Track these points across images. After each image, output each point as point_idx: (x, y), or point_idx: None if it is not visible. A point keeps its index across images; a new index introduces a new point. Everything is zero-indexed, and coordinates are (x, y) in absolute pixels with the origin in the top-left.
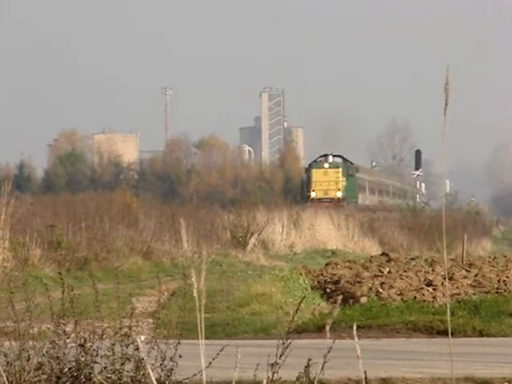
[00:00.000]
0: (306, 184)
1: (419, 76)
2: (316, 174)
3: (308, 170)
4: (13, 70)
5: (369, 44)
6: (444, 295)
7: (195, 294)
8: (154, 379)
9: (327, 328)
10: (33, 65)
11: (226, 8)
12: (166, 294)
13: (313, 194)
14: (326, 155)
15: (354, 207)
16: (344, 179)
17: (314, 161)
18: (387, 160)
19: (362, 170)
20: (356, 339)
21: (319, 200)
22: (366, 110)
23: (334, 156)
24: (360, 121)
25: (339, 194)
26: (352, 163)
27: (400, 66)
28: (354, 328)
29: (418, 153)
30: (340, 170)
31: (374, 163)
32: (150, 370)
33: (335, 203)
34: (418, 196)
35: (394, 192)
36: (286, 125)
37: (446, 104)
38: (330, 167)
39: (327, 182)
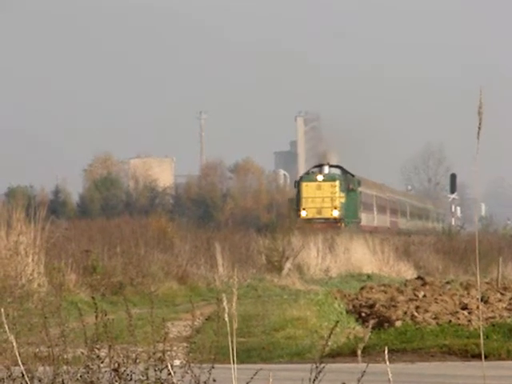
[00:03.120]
0: (296, 201)
1: (454, 97)
2: (307, 188)
3: (298, 183)
4: (46, 94)
5: (403, 67)
6: (479, 319)
7: (226, 319)
8: None
9: (359, 352)
10: (65, 88)
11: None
12: (200, 318)
13: (303, 214)
14: (321, 165)
15: (356, 228)
16: (343, 195)
17: (306, 172)
18: (422, 183)
19: (368, 184)
20: (388, 363)
21: (310, 220)
22: (398, 132)
23: (330, 166)
24: (393, 144)
25: (336, 214)
26: (353, 175)
27: (434, 87)
28: (386, 352)
29: (453, 176)
30: (337, 183)
31: (409, 187)
32: None
33: (331, 224)
34: (453, 220)
35: (413, 212)
36: (322, 149)
37: (479, 128)
38: (324, 180)
39: (321, 199)
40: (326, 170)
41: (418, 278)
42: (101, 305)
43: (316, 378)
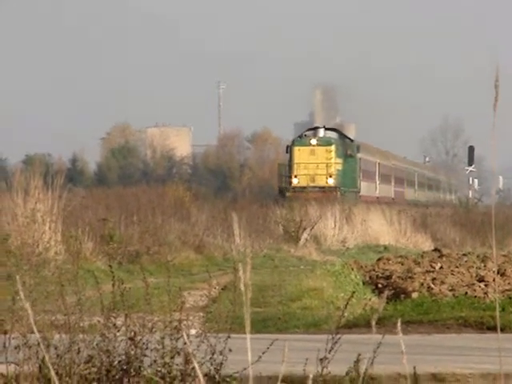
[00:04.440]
0: (288, 168)
1: (473, 70)
2: (300, 153)
3: (290, 148)
4: (66, 65)
5: (427, 38)
6: (495, 291)
7: (242, 288)
8: (200, 374)
9: (373, 323)
10: (85, 60)
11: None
12: (217, 287)
13: (295, 181)
14: (315, 128)
15: (354, 198)
16: (339, 161)
17: (299, 136)
18: (440, 155)
19: (369, 151)
20: (400, 334)
21: (303, 189)
22: (417, 105)
23: (326, 129)
24: (412, 114)
25: (331, 182)
26: (352, 140)
27: (454, 61)
28: (399, 323)
29: (471, 149)
30: (333, 148)
31: (427, 158)
32: (196, 365)
33: (325, 194)
34: (470, 192)
35: (422, 182)
36: (338, 120)
37: (496, 100)
38: (319, 144)
39: (315, 165)
40: (321, 133)
41: (435, 249)
42: (117, 273)
43: (332, 348)
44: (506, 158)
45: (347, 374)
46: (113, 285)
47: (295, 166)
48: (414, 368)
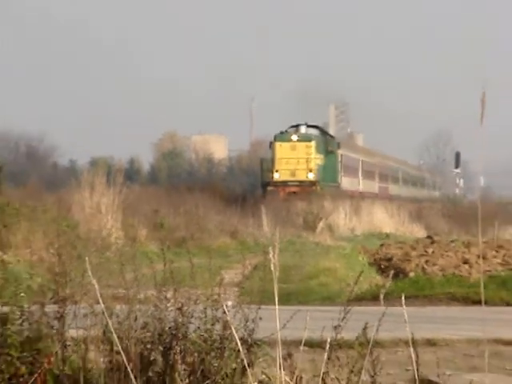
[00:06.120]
0: (270, 162)
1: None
2: (281, 148)
3: (272, 143)
4: (129, 76)
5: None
6: (478, 271)
7: (272, 267)
8: (237, 337)
9: (381, 297)
10: (142, 75)
11: (299, 26)
12: (249, 267)
13: (276, 176)
14: (297, 125)
15: (335, 192)
16: (319, 156)
17: (281, 132)
18: (431, 159)
19: (353, 148)
20: (404, 307)
21: (284, 183)
22: (415, 116)
23: (308, 126)
24: (410, 126)
25: (311, 176)
26: (332, 136)
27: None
28: (403, 298)
29: (457, 154)
30: (313, 144)
31: (421, 161)
32: (233, 330)
33: (305, 188)
34: (457, 189)
35: (406, 179)
36: (349, 130)
37: (482, 116)
38: (299, 140)
39: (296, 160)
40: (303, 129)
41: (428, 237)
42: (167, 255)
43: (344, 317)
44: (488, 160)
45: (357, 338)
46: (164, 264)
47: (277, 160)
48: (412, 334)
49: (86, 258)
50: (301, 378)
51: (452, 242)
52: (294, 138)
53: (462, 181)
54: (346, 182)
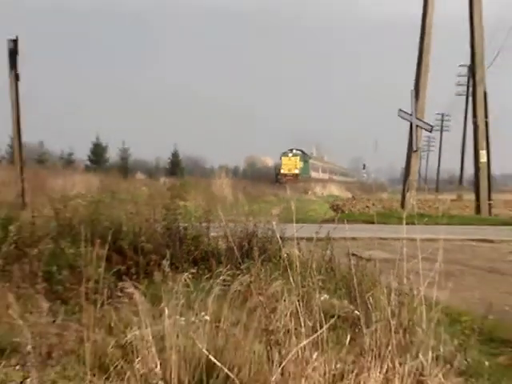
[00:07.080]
0: (280, 165)
1: None
2: (284, 159)
3: (280, 157)
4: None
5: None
6: (373, 211)
7: (292, 207)
8: (278, 235)
9: (336, 220)
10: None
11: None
12: (281, 208)
13: (282, 171)
14: (291, 149)
15: (308, 179)
16: (301, 163)
17: (284, 152)
18: (353, 164)
19: (317, 159)
20: (346, 224)
21: (285, 175)
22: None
23: (296, 150)
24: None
25: (297, 171)
26: (307, 155)
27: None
28: (345, 221)
29: (364, 164)
30: (298, 158)
31: (346, 166)
32: (277, 233)
33: (294, 177)
34: (363, 177)
35: (341, 172)
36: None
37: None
38: (292, 156)
39: (290, 164)
40: (294, 151)
41: (352, 197)
42: (248, 204)
43: (320, 228)
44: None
45: (326, 236)
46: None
47: (283, 165)
48: (347, 235)
49: (218, 206)
50: (303, 253)
51: (361, 198)
52: (290, 154)
53: (366, 174)
54: (313, 174)
